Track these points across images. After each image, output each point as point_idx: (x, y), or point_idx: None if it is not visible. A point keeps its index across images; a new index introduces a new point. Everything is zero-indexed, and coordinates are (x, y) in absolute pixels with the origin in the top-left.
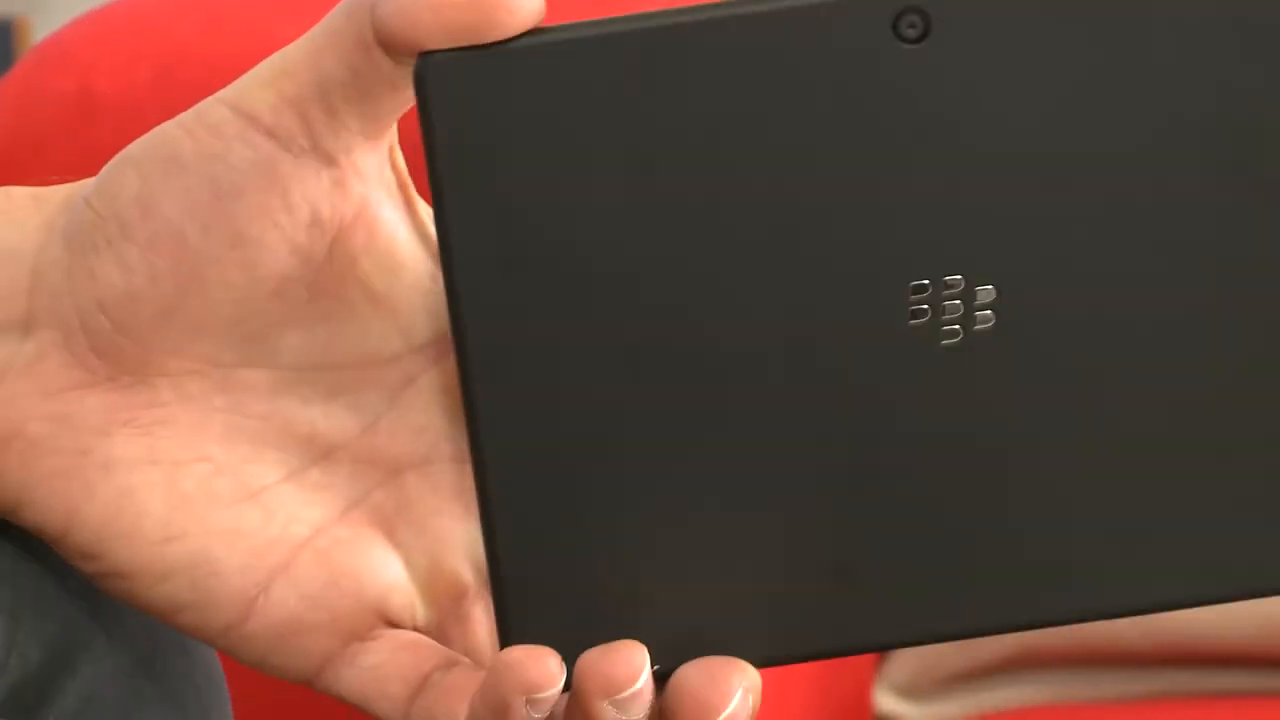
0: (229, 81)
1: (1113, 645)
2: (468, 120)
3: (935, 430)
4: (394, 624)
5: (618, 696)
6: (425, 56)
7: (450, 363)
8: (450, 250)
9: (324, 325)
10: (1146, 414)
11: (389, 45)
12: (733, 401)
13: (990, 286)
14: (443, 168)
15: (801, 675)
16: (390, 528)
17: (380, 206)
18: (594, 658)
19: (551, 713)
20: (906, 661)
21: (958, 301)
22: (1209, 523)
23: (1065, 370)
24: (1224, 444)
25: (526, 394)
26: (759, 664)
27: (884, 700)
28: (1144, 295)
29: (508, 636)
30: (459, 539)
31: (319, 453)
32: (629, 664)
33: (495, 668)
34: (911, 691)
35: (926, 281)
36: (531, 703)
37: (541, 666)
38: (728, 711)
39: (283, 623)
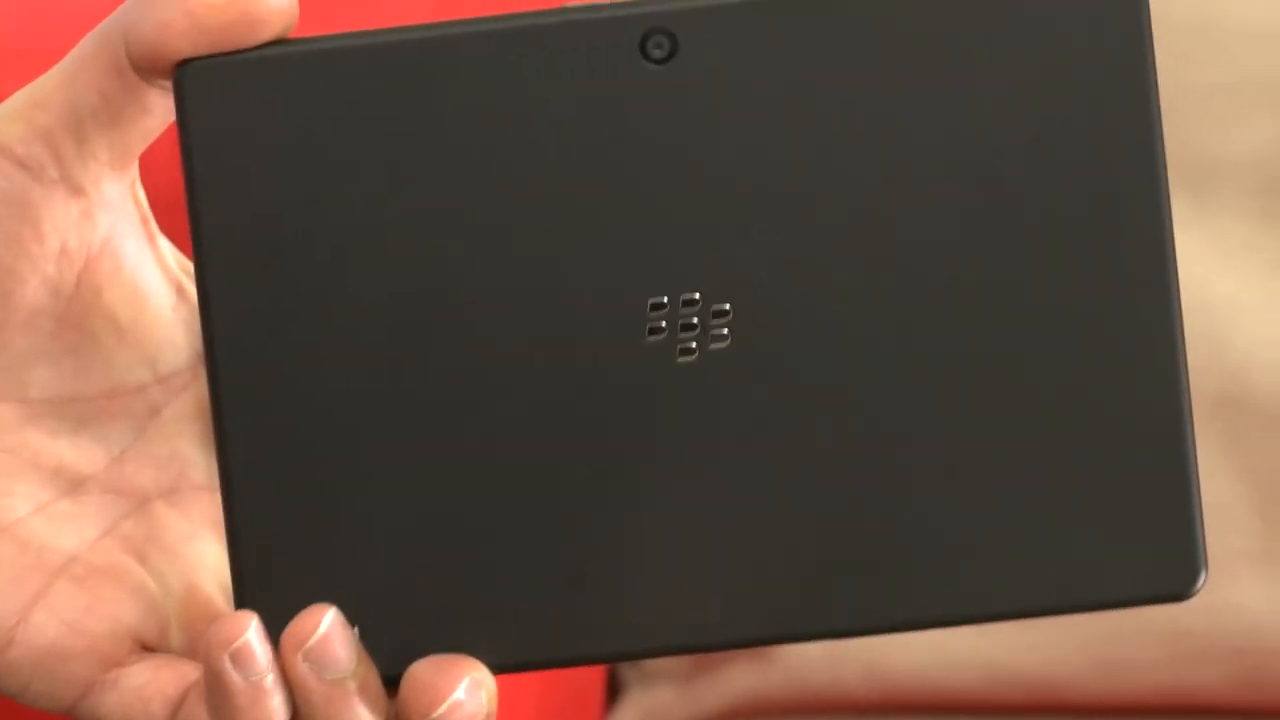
0: None
1: (838, 693)
2: (225, 126)
3: (668, 447)
4: (150, 648)
5: (306, 646)
6: (184, 64)
7: (196, 391)
8: (203, 251)
9: (70, 357)
10: (884, 431)
11: (144, 61)
12: (471, 410)
13: (727, 305)
14: (199, 174)
15: None
16: (142, 555)
17: (125, 238)
18: (291, 623)
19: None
20: (630, 713)
21: (694, 319)
22: (954, 543)
23: (800, 388)
24: (969, 460)
25: (271, 390)
26: (492, 670)
27: None
28: (882, 318)
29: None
30: (210, 563)
31: (68, 484)
32: (313, 616)
33: (202, 637)
34: None
35: (665, 299)
36: (233, 659)
37: (236, 621)
38: (453, 698)
39: (44, 649)
